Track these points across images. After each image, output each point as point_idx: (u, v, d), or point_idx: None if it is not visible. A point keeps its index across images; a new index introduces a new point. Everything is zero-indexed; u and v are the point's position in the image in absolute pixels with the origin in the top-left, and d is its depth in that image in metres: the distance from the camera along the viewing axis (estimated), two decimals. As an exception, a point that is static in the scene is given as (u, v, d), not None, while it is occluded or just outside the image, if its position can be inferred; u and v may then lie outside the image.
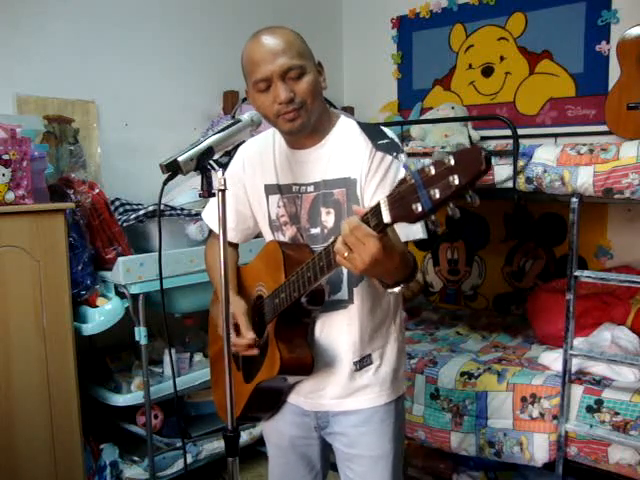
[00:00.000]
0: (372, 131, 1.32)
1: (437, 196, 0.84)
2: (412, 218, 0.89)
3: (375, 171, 1.28)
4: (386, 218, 0.94)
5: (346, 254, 1.01)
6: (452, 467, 2.57)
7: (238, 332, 1.35)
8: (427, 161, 1.23)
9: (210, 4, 2.95)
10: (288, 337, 1.32)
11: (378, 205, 0.95)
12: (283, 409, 1.49)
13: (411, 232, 1.23)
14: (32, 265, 1.95)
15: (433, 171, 0.85)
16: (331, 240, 1.08)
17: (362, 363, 1.38)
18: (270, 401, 1.47)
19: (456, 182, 0.82)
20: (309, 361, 1.32)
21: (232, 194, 1.46)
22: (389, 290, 1.15)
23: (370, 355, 1.39)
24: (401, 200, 0.90)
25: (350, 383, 1.38)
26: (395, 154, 1.27)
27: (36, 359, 1.97)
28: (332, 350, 1.37)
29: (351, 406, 1.40)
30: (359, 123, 1.35)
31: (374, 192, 1.28)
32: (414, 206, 0.88)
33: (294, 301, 1.24)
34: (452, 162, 0.83)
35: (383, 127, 1.35)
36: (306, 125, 1.27)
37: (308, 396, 1.42)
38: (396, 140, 1.31)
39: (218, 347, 1.52)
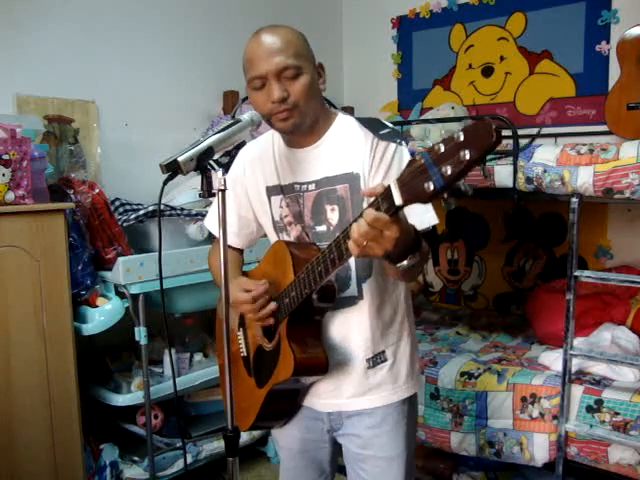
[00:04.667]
0: (371, 123, 1.31)
1: (449, 172, 0.83)
2: (424, 198, 0.88)
3: (380, 161, 1.27)
4: (397, 200, 0.92)
5: (365, 243, 0.99)
6: (452, 467, 2.57)
7: (248, 292, 1.30)
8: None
9: (210, 4, 2.95)
10: (300, 336, 1.29)
11: (388, 188, 0.94)
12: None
13: (425, 219, 1.22)
14: (32, 265, 1.94)
15: (443, 148, 0.84)
16: (339, 233, 1.07)
17: (376, 360, 1.37)
18: (284, 406, 1.44)
19: (467, 157, 0.81)
20: (323, 360, 1.29)
21: (234, 199, 1.46)
22: (398, 264, 1.11)
23: (384, 352, 1.38)
24: (412, 181, 0.89)
25: (364, 381, 1.37)
26: (399, 141, 1.27)
27: (36, 359, 1.97)
28: (344, 348, 1.36)
29: (366, 405, 1.38)
30: (357, 118, 1.35)
31: (382, 182, 1.27)
32: (426, 185, 0.87)
33: (305, 298, 1.22)
34: (462, 138, 0.82)
35: (382, 119, 1.34)
36: (299, 125, 1.27)
37: (322, 396, 1.41)
38: (396, 129, 1.31)
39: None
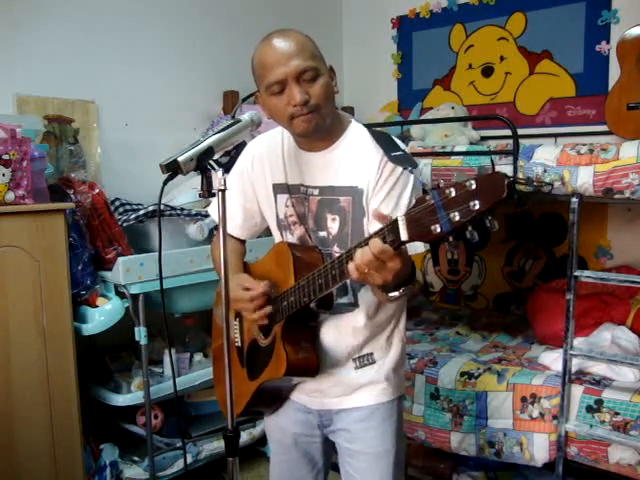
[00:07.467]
0: (385, 141, 1.31)
1: (457, 219, 0.85)
2: (430, 238, 0.91)
3: (384, 182, 1.28)
4: (403, 236, 0.95)
5: (366, 270, 1.02)
6: (452, 467, 2.57)
7: (247, 290, 1.31)
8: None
9: (210, 4, 2.95)
10: (295, 339, 1.32)
11: (396, 222, 0.96)
12: (286, 406, 1.50)
13: (418, 245, 1.22)
14: (32, 265, 1.95)
15: (453, 193, 0.86)
16: (338, 250, 1.08)
17: (363, 361, 1.40)
18: (273, 398, 1.49)
19: (476, 207, 0.83)
20: (315, 363, 1.33)
21: (240, 191, 1.47)
22: (390, 294, 1.16)
23: (372, 354, 1.41)
24: (419, 220, 0.92)
25: (353, 380, 1.40)
26: (409, 168, 1.26)
27: (36, 359, 1.97)
28: (336, 351, 1.38)
29: (355, 403, 1.41)
30: (370, 130, 1.35)
31: (380, 203, 1.28)
32: (433, 227, 0.89)
33: (303, 306, 1.24)
34: (473, 186, 0.84)
35: (394, 137, 1.34)
36: (320, 127, 1.27)
37: (312, 395, 1.44)
38: (408, 151, 1.31)
39: (221, 343, 1.53)
